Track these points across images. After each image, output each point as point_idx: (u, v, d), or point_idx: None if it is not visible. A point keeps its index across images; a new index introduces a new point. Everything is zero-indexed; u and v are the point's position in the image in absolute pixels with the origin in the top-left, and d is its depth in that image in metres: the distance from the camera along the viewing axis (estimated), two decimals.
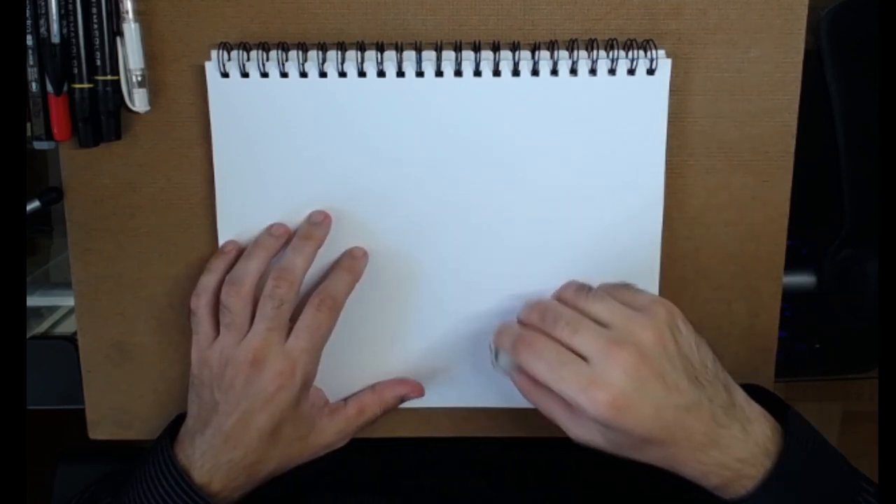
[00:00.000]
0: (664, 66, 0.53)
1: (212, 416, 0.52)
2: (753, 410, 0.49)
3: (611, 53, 0.52)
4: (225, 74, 0.53)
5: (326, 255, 0.55)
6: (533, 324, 0.50)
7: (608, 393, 0.46)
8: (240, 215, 0.55)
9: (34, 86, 0.52)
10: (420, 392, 0.57)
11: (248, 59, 0.53)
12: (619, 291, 0.51)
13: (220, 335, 0.53)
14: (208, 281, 0.54)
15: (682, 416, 0.47)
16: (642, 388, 0.46)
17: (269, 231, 0.55)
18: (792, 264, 0.60)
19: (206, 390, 0.53)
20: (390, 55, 0.53)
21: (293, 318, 0.53)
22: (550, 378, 0.47)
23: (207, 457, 0.51)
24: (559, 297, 0.52)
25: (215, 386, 0.52)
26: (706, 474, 0.48)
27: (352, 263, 0.55)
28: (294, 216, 0.55)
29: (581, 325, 0.48)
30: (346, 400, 0.56)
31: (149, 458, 0.52)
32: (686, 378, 0.47)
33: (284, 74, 0.53)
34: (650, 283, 0.56)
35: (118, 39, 0.53)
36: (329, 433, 0.55)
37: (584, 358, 0.47)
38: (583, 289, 0.51)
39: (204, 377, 0.53)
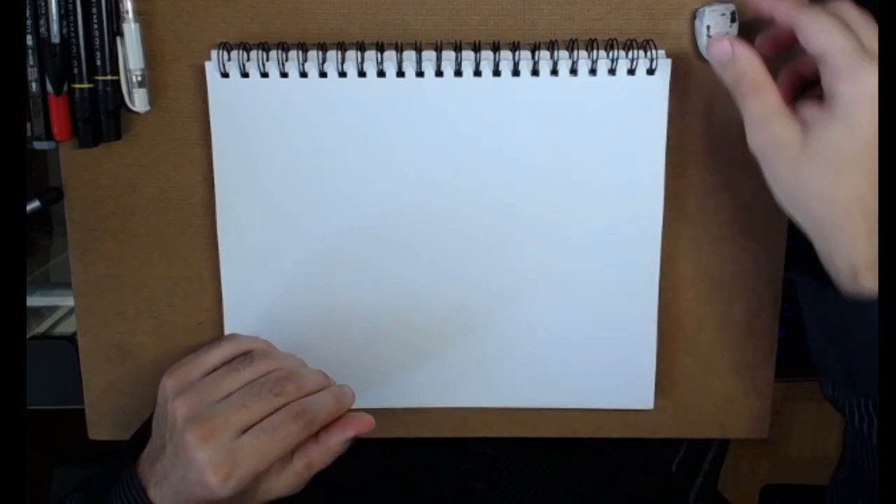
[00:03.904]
0: (664, 66, 0.53)
1: (161, 455, 0.50)
2: None
3: (611, 53, 0.52)
4: (225, 74, 0.53)
5: (327, 254, 0.55)
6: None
7: (873, 74, 0.42)
8: (240, 215, 0.55)
9: (34, 86, 0.52)
10: (369, 425, 0.51)
11: (248, 59, 0.53)
12: None
13: (204, 382, 0.51)
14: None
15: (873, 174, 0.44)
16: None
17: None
18: (792, 264, 0.60)
19: (162, 426, 0.51)
20: (390, 55, 0.53)
21: None
22: (840, 41, 0.43)
23: (162, 487, 0.49)
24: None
25: (167, 433, 0.50)
26: (851, 252, 0.44)
27: (342, 397, 0.51)
28: (294, 216, 0.55)
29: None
30: (293, 453, 0.50)
31: (120, 485, 0.51)
32: None
33: (284, 74, 0.53)
34: (650, 283, 0.56)
35: (118, 39, 0.53)
36: (278, 488, 0.50)
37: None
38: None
39: (163, 414, 0.51)
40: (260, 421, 0.48)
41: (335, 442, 0.51)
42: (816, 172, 0.45)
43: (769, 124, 0.46)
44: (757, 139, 0.46)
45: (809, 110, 0.45)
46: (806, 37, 0.45)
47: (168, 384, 0.51)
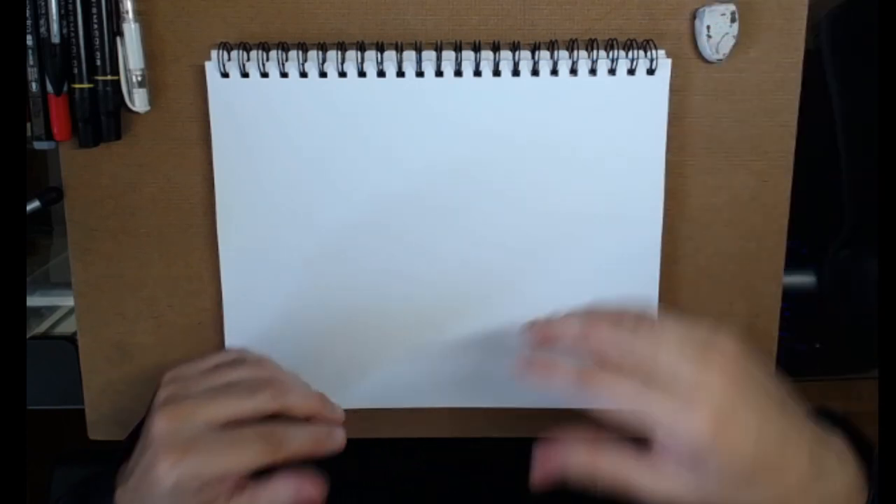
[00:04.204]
0: (664, 66, 0.53)
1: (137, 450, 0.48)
2: (834, 438, 0.46)
3: (611, 53, 0.52)
4: (225, 74, 0.53)
5: (327, 254, 0.55)
6: (602, 349, 0.45)
7: (709, 407, 0.41)
8: (240, 215, 0.55)
9: (34, 86, 0.52)
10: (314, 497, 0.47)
11: (248, 59, 0.53)
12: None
13: (190, 377, 0.49)
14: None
15: (782, 440, 0.42)
16: (741, 403, 0.41)
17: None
18: (792, 264, 0.60)
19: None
20: (390, 55, 0.53)
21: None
22: (639, 402, 0.42)
23: (128, 484, 0.47)
24: (599, 329, 0.46)
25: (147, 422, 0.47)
26: None
27: (322, 438, 0.48)
28: (294, 216, 0.55)
29: (661, 338, 0.43)
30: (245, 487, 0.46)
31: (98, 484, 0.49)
32: (774, 403, 0.43)
33: (284, 74, 0.53)
34: (650, 283, 0.56)
35: (118, 39, 0.53)
36: None
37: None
38: (622, 317, 0.46)
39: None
40: (228, 423, 0.46)
41: (280, 496, 0.46)
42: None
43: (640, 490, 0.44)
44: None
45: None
46: (607, 399, 0.43)
47: (162, 378, 0.50)
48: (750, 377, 0.43)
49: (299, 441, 0.47)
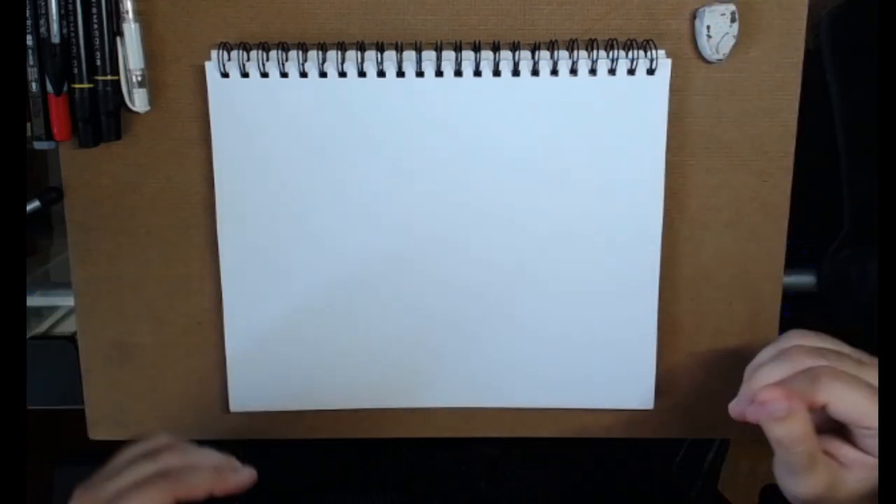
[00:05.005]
0: (664, 66, 0.53)
1: None
2: None
3: (611, 53, 0.52)
4: (225, 74, 0.53)
5: (327, 254, 0.55)
6: (811, 363, 0.45)
7: None
8: (240, 215, 0.55)
9: (34, 86, 0.52)
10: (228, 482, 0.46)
11: (248, 59, 0.53)
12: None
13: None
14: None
15: None
16: None
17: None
18: (792, 264, 0.60)
19: None
20: (390, 55, 0.53)
21: None
22: (875, 406, 0.42)
23: None
24: (799, 346, 0.47)
25: None
26: None
27: (223, 471, 0.46)
28: (294, 216, 0.55)
29: (860, 357, 0.45)
30: None
31: None
32: None
33: (284, 74, 0.53)
34: (650, 282, 0.56)
35: (118, 39, 0.53)
36: None
37: None
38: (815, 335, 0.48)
39: None
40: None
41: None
42: (850, 501, 0.45)
43: (814, 473, 0.44)
44: (799, 488, 0.45)
45: (844, 450, 0.45)
46: (832, 410, 0.43)
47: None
48: None
49: (198, 476, 0.45)
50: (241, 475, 0.46)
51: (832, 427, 0.45)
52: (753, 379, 0.46)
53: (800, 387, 0.43)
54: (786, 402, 0.42)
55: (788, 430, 0.42)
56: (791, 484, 0.45)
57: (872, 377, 0.44)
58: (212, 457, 0.47)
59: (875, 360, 0.46)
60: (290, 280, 0.56)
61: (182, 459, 0.46)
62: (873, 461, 0.44)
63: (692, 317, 0.58)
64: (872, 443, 0.44)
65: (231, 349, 0.57)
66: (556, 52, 0.52)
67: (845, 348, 0.47)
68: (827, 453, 0.45)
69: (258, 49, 0.53)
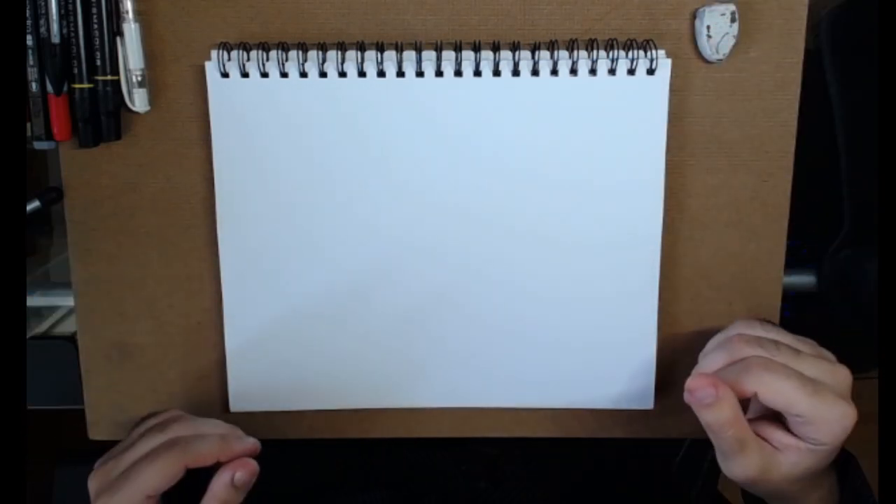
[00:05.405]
0: (664, 66, 0.53)
1: None
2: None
3: (611, 53, 0.52)
4: (225, 74, 0.53)
5: (327, 253, 0.55)
6: (749, 352, 0.48)
7: (852, 408, 0.46)
8: (240, 215, 0.55)
9: (34, 86, 0.52)
10: (250, 471, 0.48)
11: (248, 59, 0.53)
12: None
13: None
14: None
15: None
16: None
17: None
18: (792, 264, 0.60)
19: None
20: (390, 55, 0.53)
21: None
22: (803, 395, 0.45)
23: None
24: (740, 335, 0.50)
25: None
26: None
27: (229, 438, 0.48)
28: (294, 216, 0.55)
29: (799, 347, 0.48)
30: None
31: None
32: None
33: (284, 74, 0.53)
34: (650, 282, 0.56)
35: (118, 39, 0.53)
36: None
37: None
38: (761, 325, 0.51)
39: None
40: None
41: (217, 487, 0.47)
42: (785, 483, 0.48)
43: (745, 455, 0.47)
44: (733, 470, 0.48)
45: (778, 435, 0.48)
46: (761, 398, 0.46)
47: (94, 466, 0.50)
48: None
49: (205, 443, 0.48)
50: (246, 443, 0.49)
51: (771, 413, 0.48)
52: (697, 367, 0.50)
53: (731, 376, 0.46)
54: (712, 389, 0.45)
55: (716, 416, 0.45)
56: (726, 466, 0.48)
57: (806, 366, 0.47)
58: (218, 426, 0.50)
59: (815, 350, 0.49)
60: (290, 280, 0.56)
61: (190, 429, 0.49)
62: (806, 446, 0.47)
63: (692, 317, 0.58)
64: (804, 429, 0.46)
65: (231, 349, 0.57)
66: (556, 52, 0.52)
67: (786, 338, 0.49)
68: (763, 438, 0.48)
69: (258, 49, 0.53)
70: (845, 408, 0.46)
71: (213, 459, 0.47)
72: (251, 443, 0.49)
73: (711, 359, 0.49)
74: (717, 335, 0.52)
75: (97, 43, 0.52)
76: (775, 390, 0.46)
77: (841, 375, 0.47)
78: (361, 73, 0.53)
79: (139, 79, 0.53)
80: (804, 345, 0.49)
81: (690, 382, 0.46)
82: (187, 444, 0.47)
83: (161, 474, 0.46)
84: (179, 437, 0.48)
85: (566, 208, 0.55)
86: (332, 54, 0.53)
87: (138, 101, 0.53)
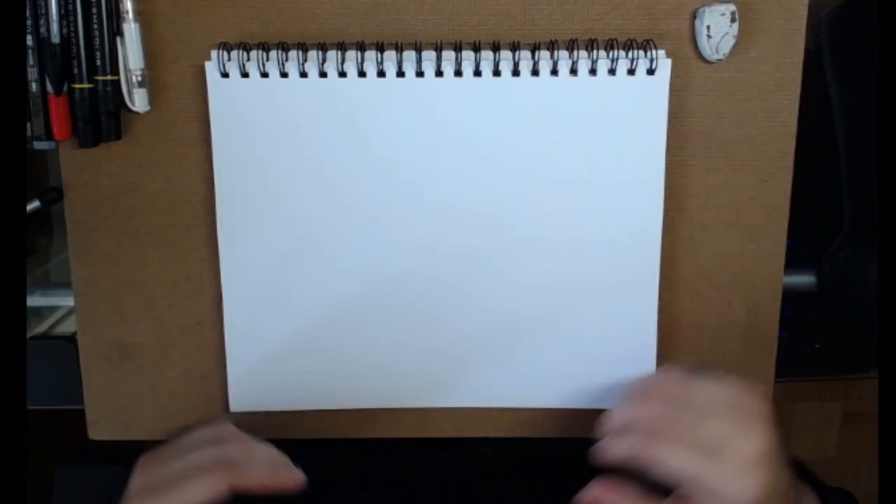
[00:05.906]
0: (664, 66, 0.53)
1: None
2: (803, 487, 0.51)
3: (611, 53, 0.52)
4: (225, 74, 0.53)
5: (327, 254, 0.55)
6: (654, 415, 0.49)
7: (760, 478, 0.45)
8: (240, 215, 0.55)
9: (34, 86, 0.52)
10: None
11: (248, 59, 0.53)
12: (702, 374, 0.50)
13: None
14: None
15: (785, 497, 0.47)
16: (776, 469, 0.47)
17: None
18: (792, 264, 0.60)
19: None
20: (390, 55, 0.53)
21: None
22: (694, 468, 0.46)
23: None
24: (658, 387, 0.50)
25: None
26: None
27: (280, 467, 0.48)
28: (294, 216, 0.55)
29: (705, 407, 0.48)
30: None
31: None
32: (784, 461, 0.48)
33: (284, 74, 0.53)
34: (650, 282, 0.56)
35: (118, 39, 0.53)
36: None
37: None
38: (681, 377, 0.51)
39: None
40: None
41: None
42: None
43: None
44: None
45: None
46: (662, 470, 0.47)
47: (137, 462, 0.49)
48: (777, 439, 0.47)
49: (255, 468, 0.47)
50: (295, 474, 0.48)
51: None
52: (611, 413, 0.50)
53: (636, 445, 0.48)
54: (612, 496, 0.48)
55: None
56: None
57: (712, 431, 0.46)
58: (270, 452, 0.49)
59: (736, 399, 0.48)
60: (290, 280, 0.56)
61: (243, 451, 0.48)
62: None
63: (692, 317, 0.58)
64: (704, 499, 0.46)
65: (231, 349, 0.57)
66: (556, 52, 0.52)
67: (705, 391, 0.49)
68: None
69: (258, 49, 0.53)
70: (749, 479, 0.45)
71: (261, 487, 0.47)
72: (300, 476, 0.48)
73: (623, 409, 0.50)
74: (640, 380, 0.52)
75: (97, 43, 0.52)
76: (673, 464, 0.46)
77: (755, 435, 0.46)
78: (361, 73, 0.53)
79: (139, 79, 0.53)
80: (724, 391, 0.48)
81: (586, 496, 0.49)
82: (239, 466, 0.46)
83: (206, 491, 0.45)
84: (232, 458, 0.47)
85: (566, 208, 0.55)
86: (332, 54, 0.53)
87: (138, 101, 0.53)
